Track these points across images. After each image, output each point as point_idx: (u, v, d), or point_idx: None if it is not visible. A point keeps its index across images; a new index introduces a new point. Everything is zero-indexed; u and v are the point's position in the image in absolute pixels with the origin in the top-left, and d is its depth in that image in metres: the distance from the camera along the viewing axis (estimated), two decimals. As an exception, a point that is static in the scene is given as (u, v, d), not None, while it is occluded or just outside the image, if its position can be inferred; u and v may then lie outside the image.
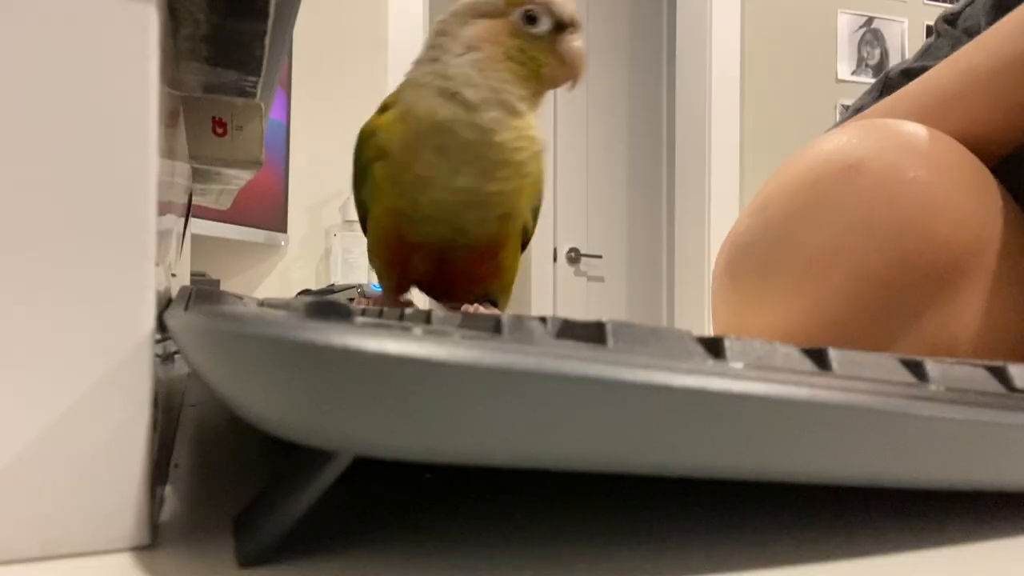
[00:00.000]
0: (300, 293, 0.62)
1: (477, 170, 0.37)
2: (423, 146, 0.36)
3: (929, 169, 0.32)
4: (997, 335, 0.32)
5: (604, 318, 0.15)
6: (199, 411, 0.29)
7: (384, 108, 0.40)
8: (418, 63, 0.40)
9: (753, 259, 0.36)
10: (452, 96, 0.37)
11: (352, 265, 1.42)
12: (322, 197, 1.57)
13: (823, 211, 0.33)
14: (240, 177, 0.49)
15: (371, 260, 0.43)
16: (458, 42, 0.38)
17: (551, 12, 0.39)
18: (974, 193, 0.32)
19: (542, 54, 0.39)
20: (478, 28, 0.39)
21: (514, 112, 0.38)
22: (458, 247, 0.40)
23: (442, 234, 0.39)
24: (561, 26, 0.39)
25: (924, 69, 0.41)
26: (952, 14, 0.51)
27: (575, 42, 0.39)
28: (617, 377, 0.11)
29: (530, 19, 0.39)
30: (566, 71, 0.40)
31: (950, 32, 0.50)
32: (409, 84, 0.39)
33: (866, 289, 0.32)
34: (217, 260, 1.40)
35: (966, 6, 0.50)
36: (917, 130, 0.34)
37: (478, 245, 0.39)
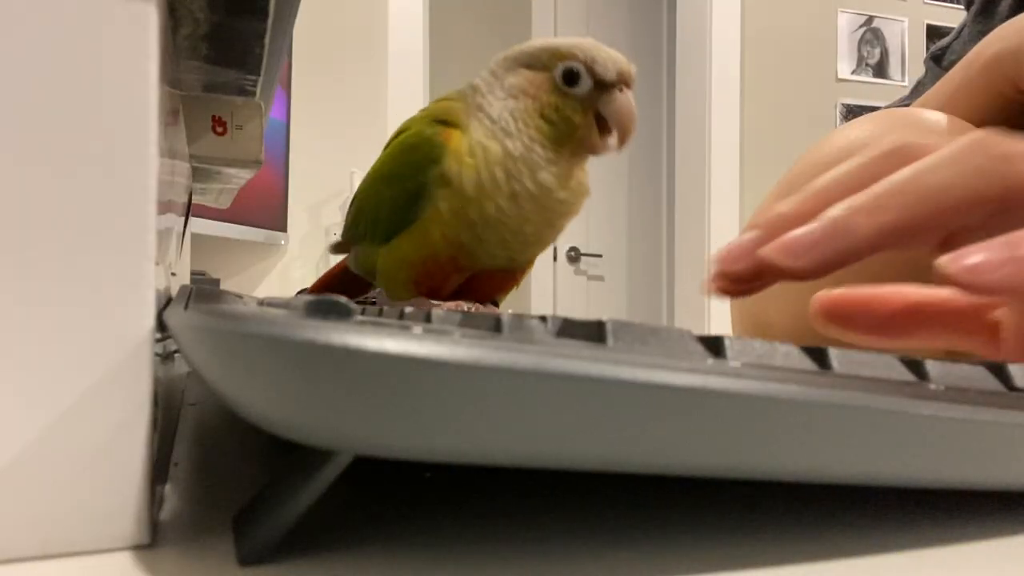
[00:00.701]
0: (299, 292, 0.62)
1: (543, 220, 0.38)
2: (498, 191, 0.36)
3: None
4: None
5: (604, 317, 0.15)
6: (199, 410, 0.29)
7: (440, 119, 0.39)
8: (471, 87, 0.40)
9: None
10: (503, 144, 0.37)
11: (352, 264, 1.42)
12: (322, 197, 1.57)
13: None
14: (240, 176, 0.49)
15: (389, 272, 0.40)
16: (502, 86, 0.38)
17: (592, 72, 0.37)
18: None
19: (578, 115, 0.37)
20: (521, 77, 0.38)
21: (556, 175, 0.37)
22: (499, 270, 0.40)
23: (494, 264, 0.40)
24: (603, 85, 0.37)
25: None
26: (940, 49, 0.52)
27: (617, 102, 0.37)
28: (617, 376, 0.11)
29: (569, 77, 0.37)
30: (606, 135, 0.38)
31: (934, 69, 0.51)
32: (465, 108, 0.38)
33: (888, 271, 0.33)
34: (217, 259, 1.40)
35: (952, 40, 0.51)
36: (938, 117, 0.35)
37: (518, 269, 0.41)
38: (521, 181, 0.36)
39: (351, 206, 0.47)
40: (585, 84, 0.37)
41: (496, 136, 0.37)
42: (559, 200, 0.38)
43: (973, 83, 0.38)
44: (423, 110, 0.42)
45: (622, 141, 0.39)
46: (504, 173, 0.37)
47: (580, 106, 0.37)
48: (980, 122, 0.36)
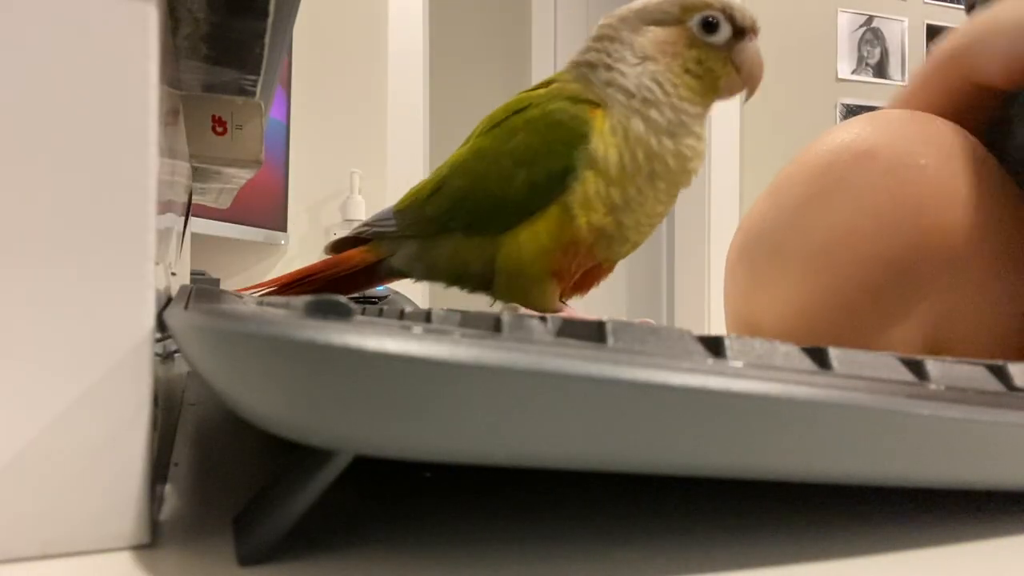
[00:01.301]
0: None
1: (671, 196, 0.37)
2: (639, 172, 0.36)
3: (939, 156, 0.33)
4: (997, 317, 0.33)
5: (604, 317, 0.15)
6: (199, 410, 0.29)
7: (571, 97, 0.36)
8: (585, 64, 0.37)
9: (766, 243, 0.37)
10: (646, 118, 0.35)
11: (352, 264, 1.42)
12: (322, 196, 1.57)
13: (836, 196, 0.34)
14: (240, 176, 0.49)
15: (521, 263, 0.36)
16: (632, 50, 0.36)
17: (732, 18, 0.36)
18: (980, 178, 0.33)
19: (720, 65, 0.36)
20: (652, 36, 0.36)
21: (698, 135, 0.37)
22: (610, 264, 0.39)
23: (622, 253, 0.38)
24: (740, 33, 0.36)
25: None
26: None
27: (750, 49, 0.37)
28: (617, 376, 0.11)
29: (708, 26, 0.36)
30: (744, 81, 0.37)
31: None
32: (590, 87, 0.36)
33: (875, 271, 0.33)
34: (217, 259, 1.40)
35: None
36: (926, 119, 0.35)
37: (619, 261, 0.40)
38: (663, 158, 0.36)
39: (432, 193, 0.40)
40: (724, 32, 0.36)
41: (638, 111, 0.36)
42: (690, 171, 0.37)
43: (930, 79, 0.38)
44: (544, 90, 0.38)
45: (753, 90, 0.38)
46: (644, 153, 0.35)
47: (720, 55, 0.36)
48: (938, 116, 0.36)
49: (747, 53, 0.37)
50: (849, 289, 0.33)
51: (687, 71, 0.36)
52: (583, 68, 0.38)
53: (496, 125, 0.38)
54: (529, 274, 0.37)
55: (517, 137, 0.37)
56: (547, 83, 0.39)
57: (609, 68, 0.36)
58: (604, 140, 0.35)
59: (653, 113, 0.36)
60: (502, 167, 0.37)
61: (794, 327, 0.35)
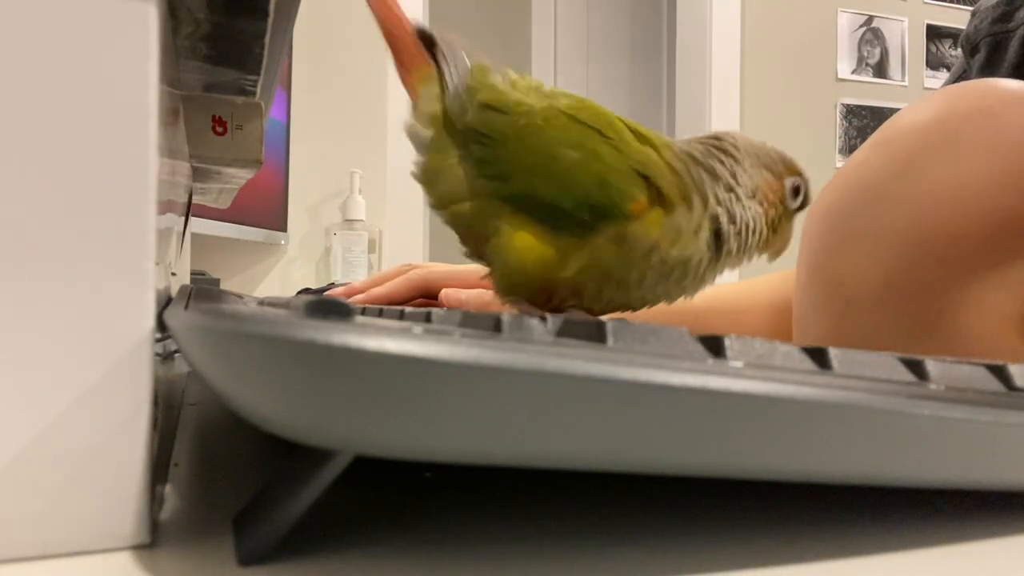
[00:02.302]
0: (300, 292, 0.62)
1: (656, 297, 0.35)
2: (658, 266, 0.34)
3: None
4: None
5: (604, 317, 0.15)
6: (199, 410, 0.29)
7: (646, 174, 0.34)
8: (706, 168, 0.35)
9: (871, 191, 0.36)
10: (717, 235, 0.35)
11: (352, 264, 1.42)
12: (322, 196, 1.57)
13: (951, 148, 0.34)
14: (240, 176, 0.49)
15: (508, 277, 0.34)
16: (749, 182, 0.36)
17: (807, 193, 0.38)
18: None
19: (783, 228, 0.37)
20: (763, 179, 0.36)
21: (710, 283, 0.37)
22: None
23: (593, 310, 0.36)
24: (802, 207, 0.38)
25: None
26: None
27: (793, 227, 0.38)
28: (617, 376, 0.11)
29: (795, 192, 0.37)
30: (779, 249, 0.38)
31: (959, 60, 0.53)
32: (709, 192, 0.35)
33: (977, 226, 0.32)
34: (217, 259, 1.40)
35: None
36: (1013, 86, 0.35)
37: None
38: (688, 266, 0.34)
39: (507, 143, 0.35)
40: (799, 201, 0.37)
41: (713, 230, 0.35)
42: (682, 294, 0.36)
43: None
44: (642, 137, 0.36)
45: (775, 257, 0.39)
46: (681, 261, 0.34)
47: (788, 220, 0.38)
48: None
49: (792, 230, 0.38)
50: (950, 243, 0.33)
51: (769, 223, 0.36)
52: (700, 169, 0.36)
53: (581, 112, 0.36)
54: (518, 285, 0.36)
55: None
56: (660, 140, 0.37)
57: (730, 189, 0.36)
58: (647, 230, 0.34)
59: (732, 242, 0.35)
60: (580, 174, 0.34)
61: (881, 283, 0.34)
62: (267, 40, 0.27)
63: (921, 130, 0.35)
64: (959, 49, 0.58)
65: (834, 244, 0.37)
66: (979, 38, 0.54)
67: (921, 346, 0.33)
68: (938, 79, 2.10)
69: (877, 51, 2.08)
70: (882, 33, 2.08)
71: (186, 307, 0.17)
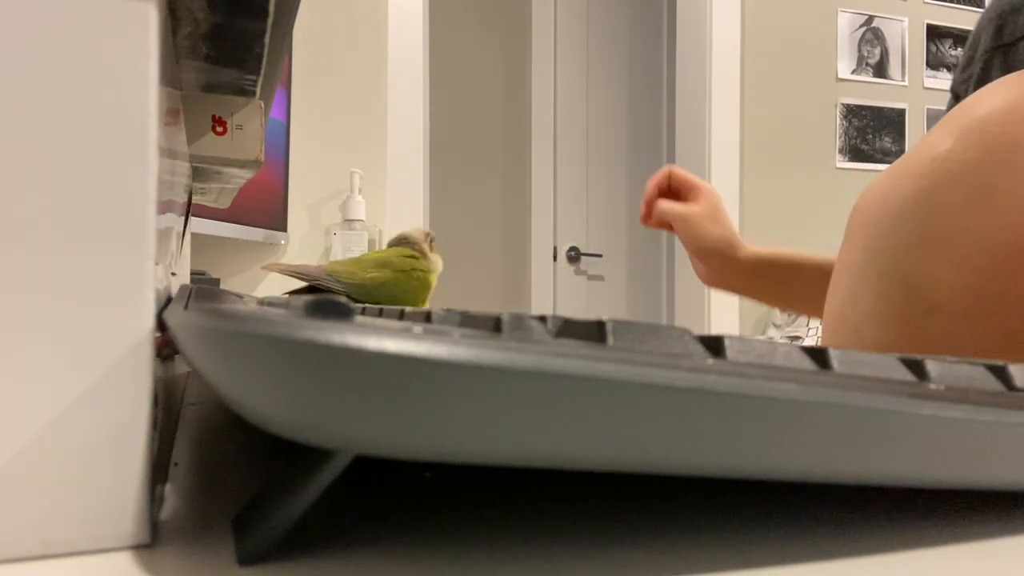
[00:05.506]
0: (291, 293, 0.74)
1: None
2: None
3: None
4: None
5: (604, 317, 0.15)
6: (199, 410, 0.29)
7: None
8: (407, 243, 0.86)
9: (964, 185, 0.32)
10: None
11: (352, 264, 1.42)
12: (322, 196, 1.57)
13: None
14: (240, 176, 0.49)
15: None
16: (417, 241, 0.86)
17: (430, 238, 0.89)
18: None
19: (433, 249, 0.86)
20: (418, 239, 0.88)
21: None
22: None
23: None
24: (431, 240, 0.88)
25: None
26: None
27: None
28: (617, 376, 0.11)
29: (426, 236, 0.86)
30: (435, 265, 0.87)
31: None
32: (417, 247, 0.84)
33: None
34: (217, 259, 1.40)
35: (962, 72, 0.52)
36: None
37: None
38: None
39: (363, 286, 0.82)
40: (429, 240, 0.89)
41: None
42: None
43: None
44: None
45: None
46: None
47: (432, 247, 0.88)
48: None
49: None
50: None
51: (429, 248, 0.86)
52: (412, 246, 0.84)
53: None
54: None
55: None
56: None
57: (420, 249, 0.85)
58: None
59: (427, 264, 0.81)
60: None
61: (974, 289, 0.31)
62: (267, 40, 0.27)
63: (1018, 114, 0.32)
64: (950, 95, 0.59)
65: (916, 242, 0.33)
66: (970, 86, 0.55)
67: (1012, 358, 0.30)
68: (938, 79, 2.10)
69: (877, 51, 2.07)
70: (882, 33, 2.08)
71: (186, 307, 0.17)
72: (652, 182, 0.69)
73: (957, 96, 0.57)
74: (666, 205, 0.67)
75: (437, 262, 0.86)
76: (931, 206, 0.33)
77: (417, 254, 0.86)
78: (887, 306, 0.34)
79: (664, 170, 0.70)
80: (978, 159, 0.32)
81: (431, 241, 0.89)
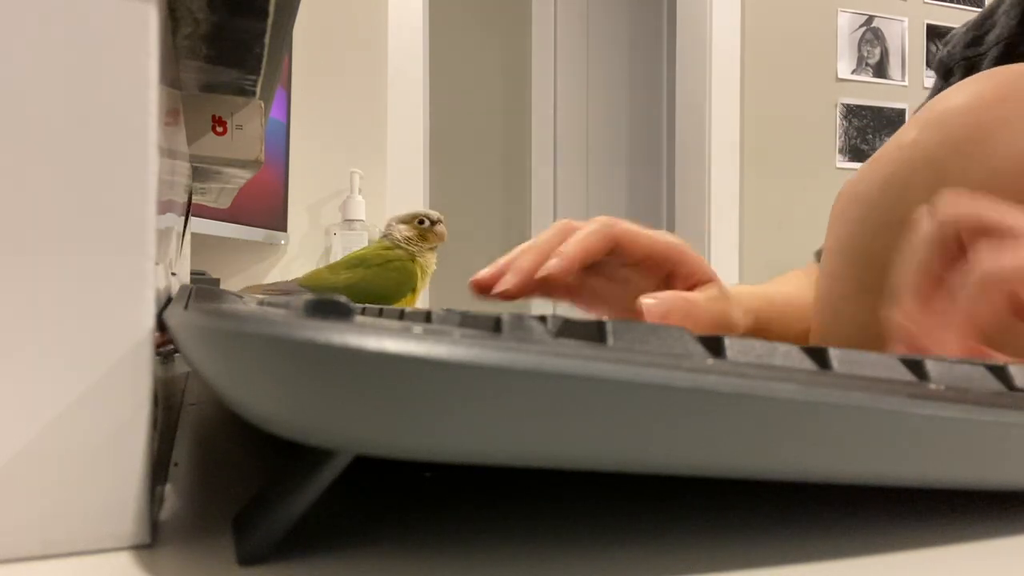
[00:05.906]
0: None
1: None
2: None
3: None
4: None
5: (604, 317, 0.15)
6: (199, 410, 0.29)
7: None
8: (390, 237, 0.95)
9: (925, 170, 0.34)
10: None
11: (352, 264, 1.42)
12: (322, 196, 1.57)
13: (1013, 125, 0.32)
14: (240, 176, 0.49)
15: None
16: (399, 233, 0.94)
17: (431, 219, 0.94)
18: None
19: (429, 234, 0.95)
20: (405, 226, 0.95)
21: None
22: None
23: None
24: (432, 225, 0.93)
25: None
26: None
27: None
28: (617, 376, 0.11)
29: (420, 222, 0.88)
30: (432, 241, 0.93)
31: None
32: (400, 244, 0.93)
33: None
34: (217, 259, 1.40)
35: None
36: None
37: None
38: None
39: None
40: (427, 224, 0.92)
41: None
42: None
43: None
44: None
45: (438, 240, 0.96)
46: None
47: (428, 231, 0.95)
48: None
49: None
50: None
51: (418, 238, 0.92)
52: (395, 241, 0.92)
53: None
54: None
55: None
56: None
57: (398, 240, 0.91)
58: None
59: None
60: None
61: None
62: (267, 40, 0.27)
63: (979, 108, 0.33)
64: (933, 71, 0.58)
65: (882, 226, 0.35)
66: (953, 62, 0.54)
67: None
68: (938, 79, 2.10)
69: (877, 51, 2.08)
70: (882, 33, 2.08)
71: (186, 307, 0.17)
72: (575, 242, 0.40)
73: (948, 71, 0.56)
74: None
75: (426, 246, 0.88)
76: (895, 192, 0.35)
77: (392, 245, 0.88)
78: (858, 286, 0.37)
79: (599, 228, 0.42)
80: (937, 148, 0.34)
81: (431, 223, 0.88)
